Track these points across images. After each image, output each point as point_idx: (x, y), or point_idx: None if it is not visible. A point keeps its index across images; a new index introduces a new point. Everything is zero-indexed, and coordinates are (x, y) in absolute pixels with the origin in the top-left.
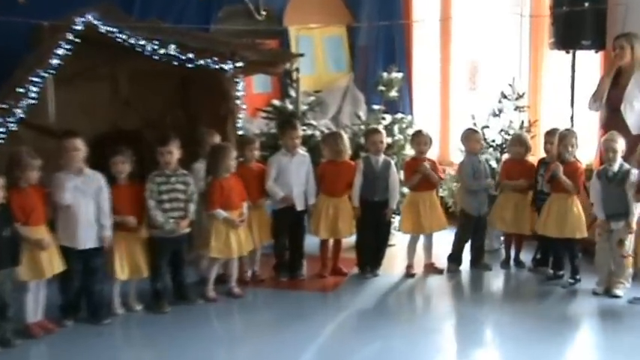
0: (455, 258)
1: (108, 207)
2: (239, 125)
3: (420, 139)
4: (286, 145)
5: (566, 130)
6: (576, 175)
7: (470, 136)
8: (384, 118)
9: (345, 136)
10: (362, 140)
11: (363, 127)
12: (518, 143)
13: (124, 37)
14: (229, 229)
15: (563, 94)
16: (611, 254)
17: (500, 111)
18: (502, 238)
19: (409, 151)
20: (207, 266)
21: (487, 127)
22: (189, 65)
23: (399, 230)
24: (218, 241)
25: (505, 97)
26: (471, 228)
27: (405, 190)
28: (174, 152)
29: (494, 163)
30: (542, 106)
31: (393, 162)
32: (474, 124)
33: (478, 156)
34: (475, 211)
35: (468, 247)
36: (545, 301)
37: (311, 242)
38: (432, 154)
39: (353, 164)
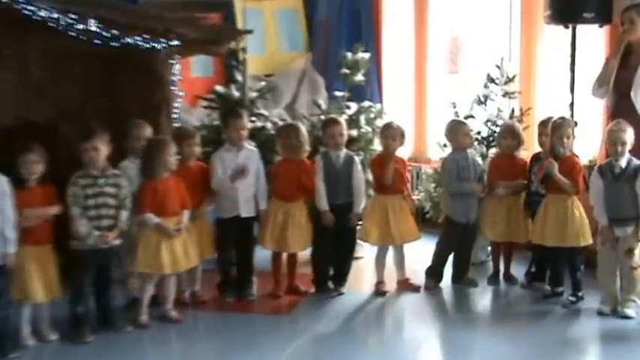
0: (434, 273)
1: (13, 216)
2: (175, 116)
3: (388, 133)
4: (230, 138)
5: (560, 118)
6: (574, 171)
7: (456, 129)
8: (348, 107)
9: (303, 129)
10: (321, 134)
11: (323, 117)
12: (510, 135)
13: (32, 8)
14: (162, 240)
15: (562, 78)
16: (619, 266)
17: (487, 98)
18: (489, 248)
19: (378, 146)
20: (139, 286)
21: (471, 116)
22: (114, 44)
23: (366, 242)
24: (146, 252)
25: (492, 81)
26: (456, 238)
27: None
28: (102, 149)
29: (479, 160)
30: (536, 92)
31: (356, 158)
32: (456, 114)
33: (466, 152)
34: (462, 218)
35: (450, 260)
36: (542, 322)
37: (262, 255)
38: (406, 150)
39: (311, 163)
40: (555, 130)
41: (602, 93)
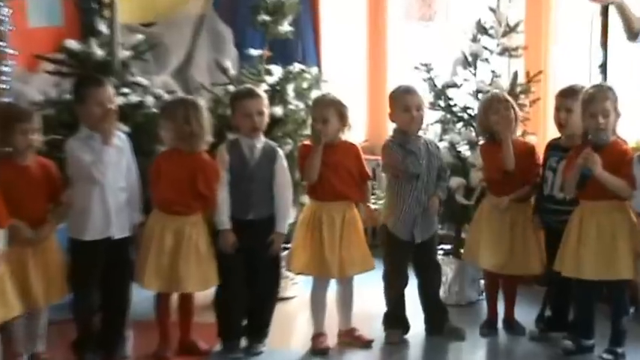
0: (394, 319)
1: None
2: (2, 87)
3: (320, 112)
4: (89, 120)
5: (596, 87)
6: (624, 164)
7: (396, 99)
8: (269, 73)
9: (201, 107)
10: (229, 112)
11: (232, 88)
12: (504, 105)
13: None
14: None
15: (588, 26)
16: None
17: (476, 57)
18: (482, 282)
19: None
20: None
21: (453, 85)
22: None
23: (292, 271)
24: None
25: (484, 31)
26: (403, 263)
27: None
28: None
29: (465, 150)
30: (549, 48)
31: (281, 150)
32: (429, 81)
33: (418, 139)
34: (405, 234)
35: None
36: None
37: (142, 297)
38: (357, 135)
39: (212, 158)
40: (588, 104)
41: None
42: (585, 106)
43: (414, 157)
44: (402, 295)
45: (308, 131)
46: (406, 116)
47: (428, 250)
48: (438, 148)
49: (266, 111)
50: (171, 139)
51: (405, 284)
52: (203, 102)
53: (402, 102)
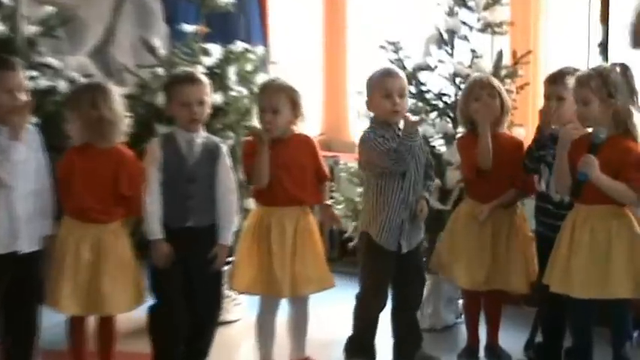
0: (359, 347)
1: None
2: None
3: (269, 100)
4: None
5: (595, 70)
6: (627, 163)
7: (374, 83)
8: (206, 53)
9: (111, 90)
10: (160, 101)
11: (162, 72)
12: (489, 89)
13: None
14: None
15: None
16: None
17: (454, 34)
18: (460, 302)
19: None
20: None
21: (427, 67)
22: None
23: (234, 290)
24: None
25: (463, 3)
26: (387, 278)
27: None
28: None
29: (440, 145)
30: (540, 24)
31: (224, 147)
32: (397, 62)
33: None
34: (392, 243)
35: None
36: None
37: (54, 322)
38: (313, 128)
39: (136, 155)
40: (580, 86)
41: None
42: (578, 95)
43: (402, 150)
44: (377, 318)
45: (255, 123)
46: (387, 103)
47: (414, 261)
48: (422, 141)
49: (208, 100)
50: (80, 132)
51: (384, 304)
52: (121, 90)
53: (383, 87)
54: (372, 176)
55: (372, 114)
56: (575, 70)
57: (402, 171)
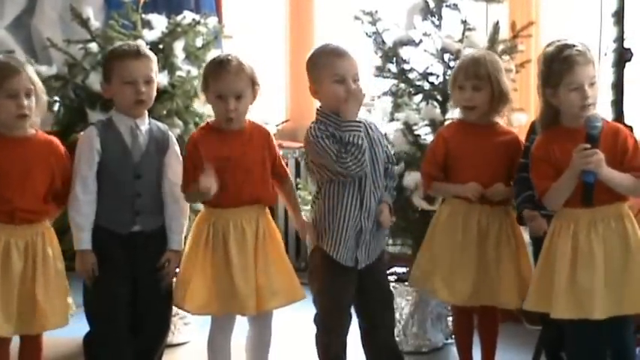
0: None
1: None
2: None
3: (229, 84)
4: None
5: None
6: (623, 150)
7: (330, 66)
8: (148, 26)
9: (24, 63)
10: (94, 82)
11: (95, 48)
12: (474, 76)
13: None
14: None
15: None
16: None
17: (441, 2)
18: (450, 320)
19: (209, 109)
20: None
21: (411, 42)
22: None
23: (186, 311)
24: None
25: None
26: (348, 297)
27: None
28: None
29: (426, 134)
30: None
31: (173, 137)
32: (375, 36)
33: (364, 120)
34: (348, 258)
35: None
36: None
37: None
38: (275, 117)
39: (63, 147)
40: (565, 75)
41: None
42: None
43: (353, 150)
44: (344, 343)
45: (205, 110)
46: (340, 90)
47: (374, 276)
48: (381, 133)
49: (155, 78)
50: None
51: (348, 327)
52: (33, 66)
53: (332, 69)
54: (322, 180)
55: (319, 103)
56: (578, 46)
57: (357, 175)
